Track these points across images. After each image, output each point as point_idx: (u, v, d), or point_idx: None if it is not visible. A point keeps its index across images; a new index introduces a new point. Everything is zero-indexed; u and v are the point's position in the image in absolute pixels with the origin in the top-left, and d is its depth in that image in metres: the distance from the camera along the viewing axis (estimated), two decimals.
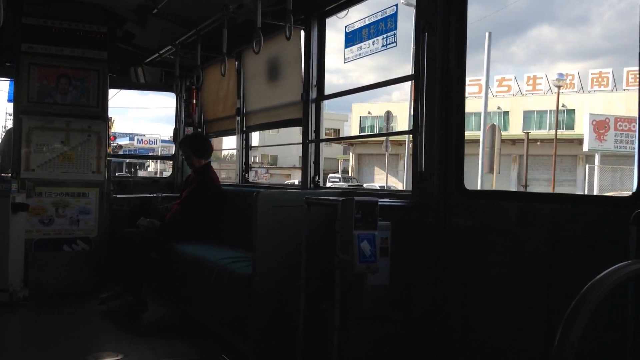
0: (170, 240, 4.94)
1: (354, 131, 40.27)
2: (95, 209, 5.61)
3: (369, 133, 40.41)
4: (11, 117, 5.83)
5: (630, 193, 2.25)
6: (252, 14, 4.02)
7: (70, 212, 5.51)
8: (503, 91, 36.32)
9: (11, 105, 5.70)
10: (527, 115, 34.61)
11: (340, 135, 46.39)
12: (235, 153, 5.92)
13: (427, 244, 3.01)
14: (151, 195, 6.18)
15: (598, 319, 1.99)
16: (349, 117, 43.53)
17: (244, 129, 5.73)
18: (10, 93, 7.46)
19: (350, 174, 39.19)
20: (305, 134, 4.46)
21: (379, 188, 23.06)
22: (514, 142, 29.91)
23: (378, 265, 2.72)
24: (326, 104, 4.44)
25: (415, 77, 3.11)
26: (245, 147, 5.81)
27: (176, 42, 5.18)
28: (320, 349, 3.09)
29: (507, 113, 35.52)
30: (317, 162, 4.46)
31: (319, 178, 4.45)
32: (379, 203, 2.81)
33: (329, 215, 3.12)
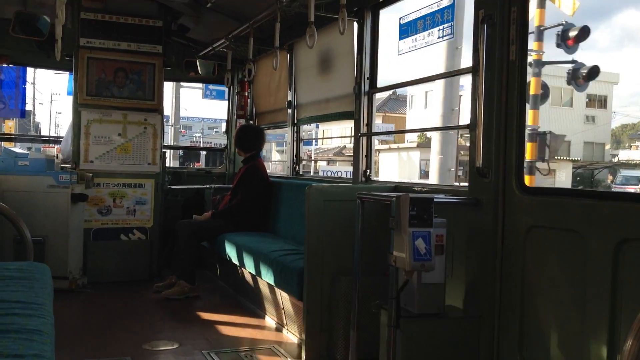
0: (222, 231, 5.04)
1: None
2: (150, 199, 5.75)
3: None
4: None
5: None
6: (305, 7, 3.99)
7: (127, 202, 5.66)
8: None
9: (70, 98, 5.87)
10: None
11: (608, 104, 36.78)
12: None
13: (485, 242, 2.94)
14: (204, 186, 6.29)
15: None
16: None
17: (295, 121, 5.73)
18: (69, 86, 7.71)
19: None
20: (357, 127, 4.42)
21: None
22: None
23: (433, 263, 2.67)
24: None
25: (474, 70, 3.02)
26: (297, 139, 5.81)
27: (229, 36, 5.21)
28: (373, 345, 3.07)
29: None
30: (369, 156, 4.42)
31: (370, 171, 4.42)
32: (435, 199, 2.75)
33: (382, 209, 3.08)
